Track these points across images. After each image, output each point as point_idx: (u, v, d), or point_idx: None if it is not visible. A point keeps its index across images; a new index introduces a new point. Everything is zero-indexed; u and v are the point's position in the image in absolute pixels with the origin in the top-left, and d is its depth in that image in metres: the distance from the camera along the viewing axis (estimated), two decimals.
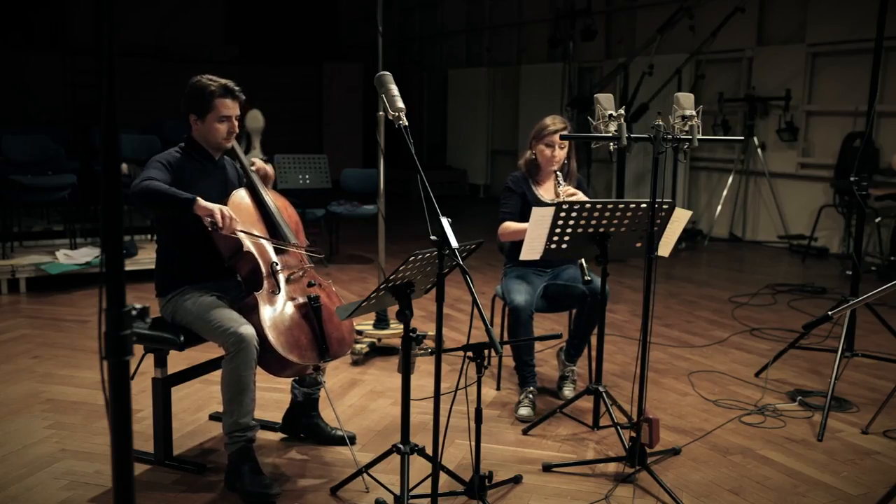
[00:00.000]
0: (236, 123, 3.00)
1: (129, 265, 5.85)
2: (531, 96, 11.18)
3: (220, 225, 2.77)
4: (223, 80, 2.97)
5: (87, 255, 6.04)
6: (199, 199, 2.77)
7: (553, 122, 3.63)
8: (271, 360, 2.82)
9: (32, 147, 7.30)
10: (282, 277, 2.96)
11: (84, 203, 6.90)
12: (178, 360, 3.29)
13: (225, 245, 2.93)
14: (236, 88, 2.98)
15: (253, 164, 3.16)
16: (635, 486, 2.89)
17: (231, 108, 2.97)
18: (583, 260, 3.48)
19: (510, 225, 3.66)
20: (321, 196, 7.11)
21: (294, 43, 13.36)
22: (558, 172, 3.63)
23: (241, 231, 2.88)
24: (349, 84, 13.33)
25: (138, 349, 2.82)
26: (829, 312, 3.28)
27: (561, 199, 3.49)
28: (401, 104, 2.47)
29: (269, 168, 3.23)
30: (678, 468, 3.09)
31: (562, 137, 3.62)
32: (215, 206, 2.78)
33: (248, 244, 2.91)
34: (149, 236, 7.01)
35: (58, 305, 5.41)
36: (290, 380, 3.28)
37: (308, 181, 6.95)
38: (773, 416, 3.61)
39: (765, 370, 4.11)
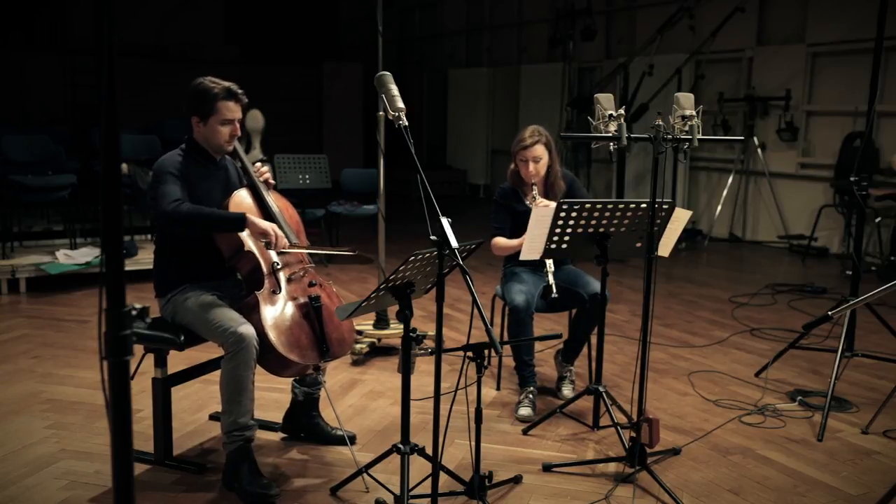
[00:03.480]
0: (238, 126, 3.00)
1: (129, 265, 5.85)
2: (531, 96, 11.17)
3: (274, 244, 2.83)
4: (226, 83, 2.95)
5: (87, 255, 6.04)
6: (248, 217, 2.82)
7: (530, 135, 3.59)
8: (272, 360, 2.82)
9: (32, 147, 7.30)
10: (283, 277, 2.96)
11: (84, 203, 6.90)
12: (178, 360, 3.29)
13: (226, 245, 2.93)
14: (239, 91, 2.97)
15: (258, 169, 3.14)
16: (635, 486, 2.89)
17: (234, 111, 2.96)
18: (549, 274, 3.48)
19: (501, 241, 3.68)
20: (321, 196, 7.11)
21: (294, 43, 13.35)
22: (534, 185, 3.61)
23: (291, 245, 2.94)
24: (349, 84, 13.32)
25: (138, 349, 2.83)
26: (829, 312, 3.28)
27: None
28: (401, 104, 2.47)
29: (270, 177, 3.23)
30: (678, 468, 3.09)
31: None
32: (268, 226, 2.84)
33: (249, 244, 2.91)
34: (149, 236, 7.00)
35: (58, 305, 5.41)
36: (290, 380, 3.28)
37: (308, 181, 6.95)
38: (773, 416, 3.61)
39: (765, 370, 4.11)
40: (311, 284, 3.04)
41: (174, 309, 2.97)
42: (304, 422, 3.28)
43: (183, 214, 2.77)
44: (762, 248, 8.28)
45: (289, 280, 2.98)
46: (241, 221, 2.82)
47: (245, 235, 2.89)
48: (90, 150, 8.59)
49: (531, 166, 3.59)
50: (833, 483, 2.98)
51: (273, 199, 3.11)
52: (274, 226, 2.87)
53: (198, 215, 2.79)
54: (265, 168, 3.17)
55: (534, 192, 3.59)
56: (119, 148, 1.36)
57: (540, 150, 3.59)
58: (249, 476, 2.76)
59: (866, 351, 4.07)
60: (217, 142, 2.98)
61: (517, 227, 3.67)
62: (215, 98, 2.91)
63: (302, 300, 2.96)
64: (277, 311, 2.87)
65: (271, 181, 3.18)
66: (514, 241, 3.60)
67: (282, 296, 2.92)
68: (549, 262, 3.52)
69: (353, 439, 3.23)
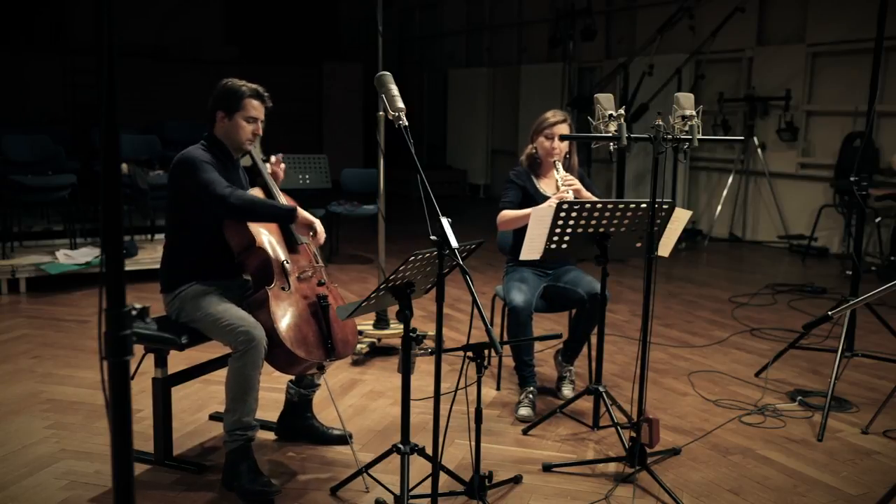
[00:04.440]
0: (261, 127, 3.07)
1: (129, 265, 5.85)
2: (531, 96, 11.17)
3: (319, 238, 2.99)
4: (254, 84, 3.06)
5: (87, 255, 6.04)
6: (298, 209, 2.94)
7: (553, 114, 3.68)
8: (279, 356, 2.83)
9: (32, 147, 7.30)
10: (292, 275, 2.97)
11: (84, 203, 6.90)
12: (178, 360, 3.29)
13: (237, 240, 2.94)
14: (266, 94, 3.06)
15: (277, 162, 3.22)
16: (635, 486, 2.89)
17: (259, 110, 3.04)
18: None
19: (507, 213, 3.66)
20: (321, 196, 7.10)
21: (294, 43, 13.35)
22: (558, 163, 3.63)
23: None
24: (349, 84, 13.32)
25: (138, 349, 2.83)
26: (829, 312, 3.28)
27: (560, 185, 3.50)
28: (401, 104, 2.47)
29: (280, 172, 3.26)
30: (678, 468, 3.09)
31: (561, 138, 3.62)
32: (314, 219, 2.97)
33: (261, 240, 2.93)
34: (149, 236, 7.01)
35: (58, 305, 5.41)
36: (288, 379, 3.27)
37: (308, 181, 6.95)
38: (773, 416, 3.61)
39: (765, 370, 4.11)
40: (319, 284, 3.06)
41: (181, 306, 2.96)
42: (299, 423, 3.27)
43: (240, 200, 2.84)
44: (762, 248, 8.28)
45: (298, 278, 2.99)
46: (293, 213, 2.92)
47: (257, 231, 2.93)
48: (90, 150, 8.59)
49: (556, 142, 3.62)
50: (833, 483, 2.98)
51: (285, 201, 3.13)
52: (317, 220, 3.01)
53: (253, 202, 2.89)
54: (281, 163, 3.25)
55: (557, 166, 3.60)
56: (119, 148, 1.36)
57: (565, 130, 3.64)
58: (249, 474, 2.77)
59: (866, 351, 4.07)
60: (239, 138, 3.03)
61: (525, 208, 3.66)
62: (243, 95, 3.00)
63: (310, 299, 2.97)
64: (286, 307, 2.89)
65: (281, 175, 3.25)
66: (521, 212, 3.58)
67: (290, 293, 2.93)
68: None
69: (349, 437, 3.23)
